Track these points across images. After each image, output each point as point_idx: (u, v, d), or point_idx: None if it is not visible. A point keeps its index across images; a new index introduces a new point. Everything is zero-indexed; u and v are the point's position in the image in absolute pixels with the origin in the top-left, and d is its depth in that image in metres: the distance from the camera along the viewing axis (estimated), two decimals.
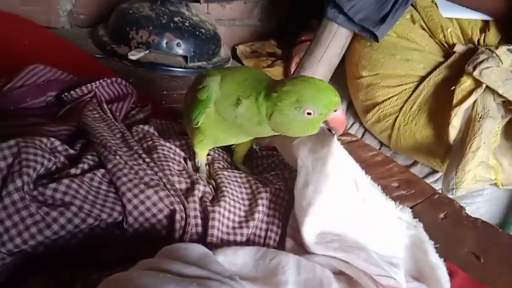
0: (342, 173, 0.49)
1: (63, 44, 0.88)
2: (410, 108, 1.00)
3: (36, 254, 0.42)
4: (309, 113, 0.46)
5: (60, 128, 0.55)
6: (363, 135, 1.15)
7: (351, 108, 1.18)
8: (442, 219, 0.71)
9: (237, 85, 0.50)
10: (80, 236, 0.44)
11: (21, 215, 0.40)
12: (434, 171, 1.05)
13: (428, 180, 1.03)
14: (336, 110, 0.47)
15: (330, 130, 0.49)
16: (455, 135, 0.91)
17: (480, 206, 1.02)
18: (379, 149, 1.10)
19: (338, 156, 0.49)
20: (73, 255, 0.43)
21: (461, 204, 0.76)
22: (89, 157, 0.49)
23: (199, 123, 0.52)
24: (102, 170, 0.48)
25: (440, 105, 0.95)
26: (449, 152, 0.94)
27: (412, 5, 1.02)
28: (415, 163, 1.08)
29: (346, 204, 0.49)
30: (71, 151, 0.50)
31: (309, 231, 0.46)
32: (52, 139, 0.48)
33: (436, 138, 0.98)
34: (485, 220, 0.72)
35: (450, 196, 0.86)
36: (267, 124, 0.48)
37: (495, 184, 0.93)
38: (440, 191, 0.89)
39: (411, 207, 0.71)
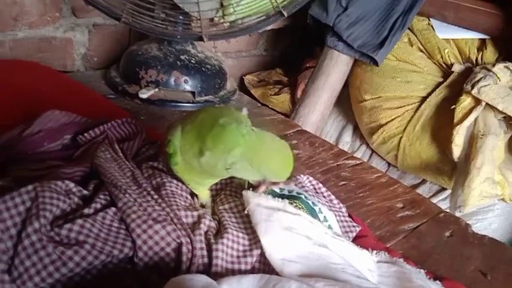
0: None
1: (78, 87, 0.93)
2: (414, 129, 1.02)
3: None
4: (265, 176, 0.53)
5: (75, 169, 0.59)
6: (370, 156, 1.17)
7: (357, 131, 1.20)
8: (447, 237, 0.72)
9: (197, 134, 0.52)
10: (94, 272, 0.47)
11: (39, 255, 0.44)
12: (443, 189, 1.07)
13: (438, 198, 1.04)
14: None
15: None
16: (459, 153, 0.92)
17: (492, 222, 1.02)
18: (387, 169, 1.13)
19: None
20: None
21: (468, 222, 0.78)
22: (101, 196, 0.53)
23: (177, 173, 0.56)
24: (114, 209, 0.51)
25: (442, 124, 0.97)
26: (455, 170, 0.95)
27: (408, 28, 1.06)
28: (423, 181, 1.10)
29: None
30: (85, 192, 0.54)
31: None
32: (67, 182, 0.52)
33: (441, 156, 1.00)
34: (497, 235, 0.73)
35: (458, 214, 0.88)
36: (227, 172, 0.52)
37: (503, 199, 0.94)
38: (449, 209, 0.91)
39: (416, 227, 0.73)
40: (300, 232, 0.51)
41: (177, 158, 0.54)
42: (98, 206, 0.52)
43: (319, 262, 0.49)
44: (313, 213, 0.57)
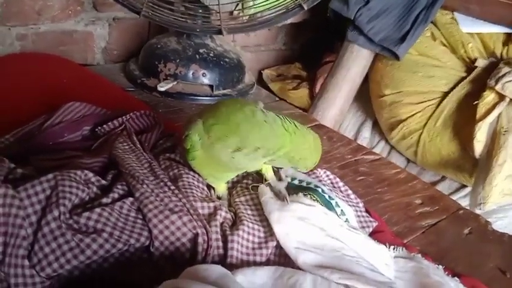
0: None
1: (97, 80, 0.95)
2: (435, 124, 1.00)
3: (72, 278, 0.46)
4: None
5: (94, 160, 0.59)
6: (389, 152, 1.15)
7: (376, 126, 1.19)
8: (466, 234, 0.71)
9: (228, 127, 0.51)
10: (111, 260, 0.48)
11: (58, 242, 0.45)
12: (464, 186, 1.05)
13: (458, 195, 1.02)
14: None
15: None
16: (480, 149, 0.90)
17: None
18: (406, 166, 1.11)
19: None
20: (105, 278, 0.47)
21: (488, 220, 0.76)
22: (119, 187, 0.54)
23: (194, 167, 0.56)
24: (131, 199, 0.52)
25: (464, 120, 0.95)
26: (476, 167, 0.93)
27: (431, 22, 1.04)
28: (443, 178, 1.08)
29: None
30: (103, 182, 0.55)
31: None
32: (86, 171, 0.53)
33: (462, 153, 0.98)
34: None
35: (478, 211, 0.86)
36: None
37: None
38: (469, 206, 0.89)
39: (434, 224, 0.72)
40: (313, 223, 0.51)
41: (195, 153, 0.54)
42: (116, 195, 0.52)
43: (333, 253, 0.49)
44: (329, 206, 0.56)
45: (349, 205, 0.64)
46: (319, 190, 0.58)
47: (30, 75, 0.88)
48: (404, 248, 0.58)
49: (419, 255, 0.58)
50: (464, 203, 0.98)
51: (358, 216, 0.65)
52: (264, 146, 0.51)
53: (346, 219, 0.57)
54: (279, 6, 0.87)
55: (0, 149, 0.63)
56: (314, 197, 0.56)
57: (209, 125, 0.52)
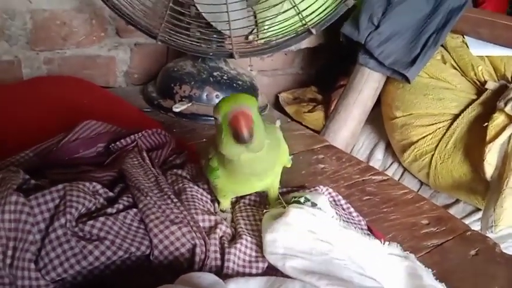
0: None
1: (116, 101, 1.00)
2: (446, 146, 1.00)
3: (75, 283, 0.49)
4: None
5: (104, 174, 0.63)
6: (402, 175, 1.15)
7: (389, 149, 1.19)
8: (473, 255, 0.70)
9: None
10: (113, 267, 0.50)
11: (63, 248, 0.48)
12: (478, 210, 1.03)
13: (472, 219, 1.01)
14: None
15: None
16: (491, 171, 0.90)
17: None
18: (419, 188, 1.11)
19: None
20: (107, 284, 0.49)
21: (502, 244, 0.75)
22: (125, 198, 0.57)
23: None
24: (135, 210, 0.55)
25: (475, 142, 0.95)
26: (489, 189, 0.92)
27: (442, 45, 1.05)
28: (457, 201, 1.07)
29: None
30: (110, 194, 0.58)
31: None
32: (94, 183, 0.56)
33: (474, 175, 0.97)
34: None
35: (490, 235, 0.85)
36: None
37: None
38: (480, 230, 0.88)
39: (440, 244, 0.72)
40: (302, 226, 0.52)
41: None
42: (121, 206, 0.55)
43: (321, 257, 0.50)
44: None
45: (351, 223, 0.66)
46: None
47: (54, 96, 0.94)
48: (399, 245, 0.58)
49: (413, 255, 0.58)
50: (478, 226, 0.96)
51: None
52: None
53: (319, 208, 0.58)
54: (288, 31, 0.90)
55: (20, 163, 0.67)
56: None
57: None
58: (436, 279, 0.56)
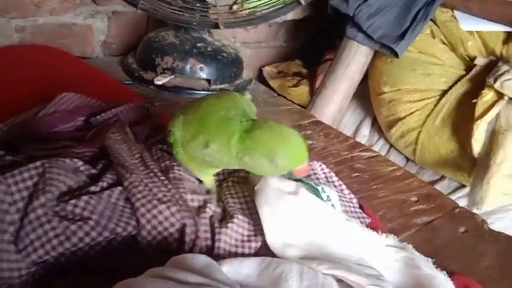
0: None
1: (95, 72, 0.95)
2: (433, 123, 1.00)
3: (58, 265, 0.46)
4: (277, 165, 0.48)
5: (85, 150, 0.59)
6: (388, 151, 1.15)
7: (375, 124, 1.18)
8: (462, 233, 0.70)
9: (199, 125, 0.51)
10: (98, 248, 0.47)
11: (44, 229, 0.44)
12: (462, 186, 1.04)
13: (457, 195, 1.01)
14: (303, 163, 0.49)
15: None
16: (479, 148, 0.90)
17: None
18: (405, 164, 1.10)
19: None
20: (91, 266, 0.46)
21: (487, 220, 0.75)
22: (108, 176, 0.53)
23: (180, 161, 0.56)
24: (120, 188, 0.52)
25: (463, 118, 0.94)
26: (475, 166, 0.92)
27: (431, 20, 1.03)
28: (442, 178, 1.07)
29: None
30: (93, 170, 0.54)
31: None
32: (75, 160, 0.53)
33: (461, 152, 0.97)
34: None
35: (477, 211, 0.85)
36: (236, 163, 0.50)
37: None
38: (467, 206, 0.88)
39: (430, 222, 0.71)
40: (303, 218, 0.51)
41: (178, 148, 0.54)
42: (105, 184, 0.52)
43: (320, 250, 0.48)
44: (316, 192, 0.56)
45: (342, 200, 0.64)
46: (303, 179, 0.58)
47: (28, 66, 0.88)
48: (396, 237, 0.57)
49: (411, 245, 0.57)
50: (463, 203, 0.96)
51: (351, 211, 0.64)
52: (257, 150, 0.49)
53: (332, 204, 0.57)
54: (277, 1, 0.87)
55: None
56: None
57: (187, 122, 0.52)
58: (437, 267, 0.55)
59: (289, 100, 1.13)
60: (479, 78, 0.95)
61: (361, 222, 0.62)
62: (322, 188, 0.57)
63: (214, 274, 0.41)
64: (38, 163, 0.49)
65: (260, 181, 0.54)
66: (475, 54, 0.98)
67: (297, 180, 0.57)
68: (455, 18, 1.01)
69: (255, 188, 0.54)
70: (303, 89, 1.33)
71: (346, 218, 0.56)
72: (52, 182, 0.47)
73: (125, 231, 0.48)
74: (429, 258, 0.57)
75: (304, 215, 0.52)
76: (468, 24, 1.00)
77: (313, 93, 1.26)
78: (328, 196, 0.57)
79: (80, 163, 0.53)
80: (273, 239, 0.49)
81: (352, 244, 0.51)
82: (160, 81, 0.94)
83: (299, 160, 0.49)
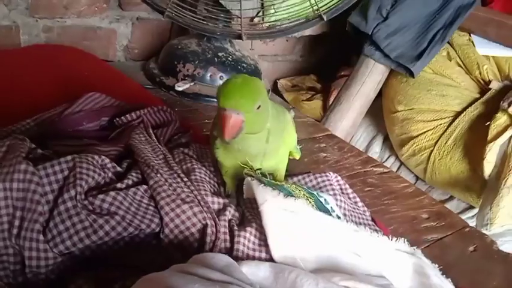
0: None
1: (118, 75, 0.97)
2: (445, 143, 1.01)
3: (84, 257, 0.47)
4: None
5: (110, 148, 0.61)
6: (398, 168, 1.16)
7: (386, 142, 1.20)
8: (471, 252, 0.71)
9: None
10: (122, 244, 0.49)
11: (72, 221, 0.46)
12: (471, 207, 1.05)
13: (465, 216, 1.02)
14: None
15: None
16: (490, 170, 0.91)
17: None
18: (415, 183, 1.11)
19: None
20: (115, 260, 0.48)
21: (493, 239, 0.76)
22: (134, 174, 0.55)
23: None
24: (145, 186, 0.53)
25: (475, 140, 0.96)
26: (485, 188, 0.94)
27: (448, 42, 1.05)
28: (451, 198, 1.08)
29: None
30: (118, 168, 0.56)
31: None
32: (103, 157, 0.55)
33: (471, 173, 0.98)
34: None
35: (485, 232, 0.86)
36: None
37: None
38: (475, 227, 0.89)
39: (440, 239, 0.72)
40: (310, 235, 0.51)
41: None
42: (130, 182, 0.54)
43: (330, 262, 0.50)
44: (314, 197, 0.57)
45: (355, 213, 0.66)
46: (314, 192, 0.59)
47: (54, 65, 0.91)
48: (406, 241, 0.58)
49: (420, 250, 0.58)
50: (471, 224, 0.97)
51: (364, 224, 0.65)
52: None
53: (331, 207, 0.58)
54: (299, 16, 0.89)
55: (21, 131, 0.65)
56: (309, 198, 0.57)
57: None
58: (443, 274, 0.56)
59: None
60: (493, 101, 0.96)
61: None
62: (318, 193, 0.59)
63: (235, 273, 0.42)
64: (69, 158, 0.51)
65: (264, 203, 0.55)
66: (490, 78, 1.00)
67: (292, 184, 0.58)
68: (472, 42, 1.03)
69: (259, 210, 0.54)
70: (316, 104, 1.35)
71: (355, 228, 0.56)
72: (82, 176, 0.49)
73: (148, 228, 0.49)
74: (436, 265, 0.57)
75: (311, 232, 0.52)
76: (485, 48, 1.02)
77: (326, 108, 1.28)
78: (325, 200, 0.58)
79: (107, 160, 0.55)
80: (280, 255, 0.50)
81: (362, 254, 0.52)
82: (180, 87, 0.97)
83: (224, 97, 0.49)
